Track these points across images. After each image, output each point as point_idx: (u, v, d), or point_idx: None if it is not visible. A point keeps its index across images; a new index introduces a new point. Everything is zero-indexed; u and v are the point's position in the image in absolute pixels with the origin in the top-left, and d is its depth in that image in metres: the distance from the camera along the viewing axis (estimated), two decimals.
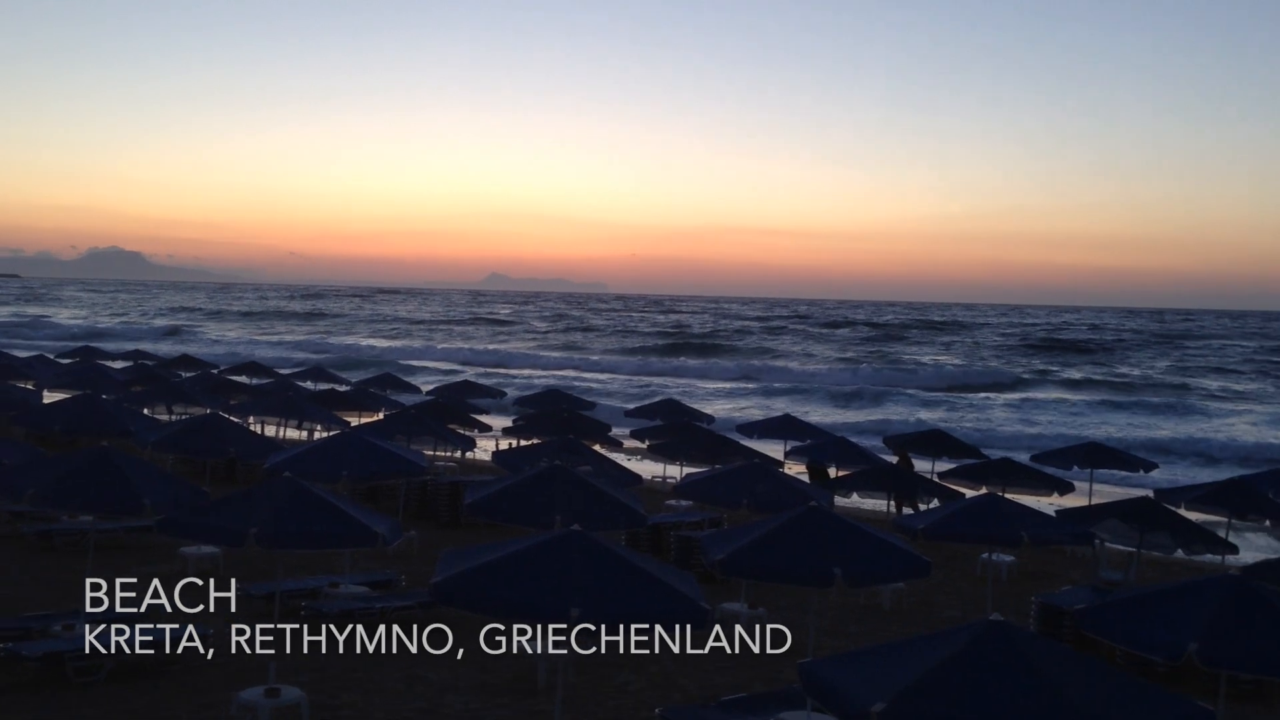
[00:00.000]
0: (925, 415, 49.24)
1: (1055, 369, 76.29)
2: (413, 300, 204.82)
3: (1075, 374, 72.74)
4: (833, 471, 25.39)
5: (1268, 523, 20.61)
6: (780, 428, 29.35)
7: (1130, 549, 17.90)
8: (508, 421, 31.67)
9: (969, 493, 20.37)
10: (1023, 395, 59.39)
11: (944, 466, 25.25)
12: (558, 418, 29.00)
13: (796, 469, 28.05)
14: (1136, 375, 72.80)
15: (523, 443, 26.77)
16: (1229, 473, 30.17)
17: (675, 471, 27.03)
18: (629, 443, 30.11)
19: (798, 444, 27.35)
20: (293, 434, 31.26)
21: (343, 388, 38.31)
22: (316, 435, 27.92)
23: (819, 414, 48.31)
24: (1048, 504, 23.43)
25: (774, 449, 28.68)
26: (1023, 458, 26.43)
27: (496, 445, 30.36)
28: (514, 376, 61.74)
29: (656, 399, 39.53)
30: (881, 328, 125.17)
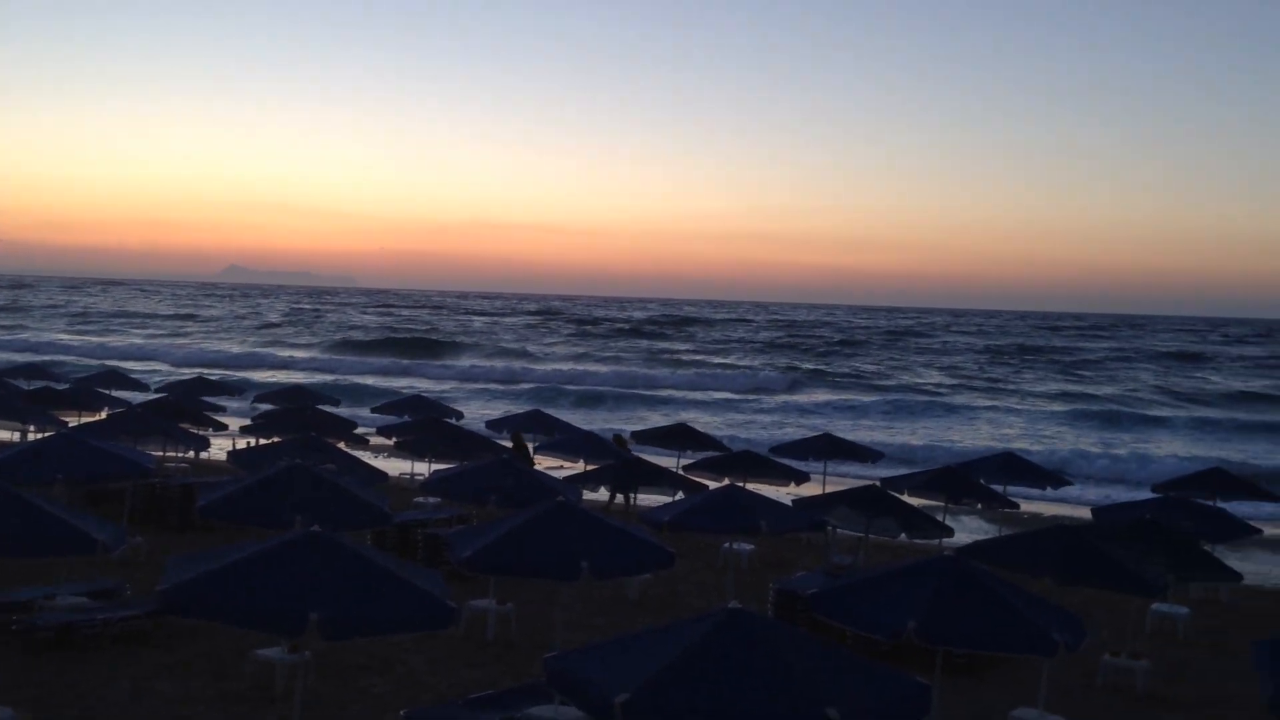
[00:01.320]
0: (688, 415, 50.48)
1: (802, 366, 79.86)
2: (134, 293, 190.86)
3: (837, 371, 76.24)
4: (582, 465, 25.63)
5: (979, 506, 22.26)
6: (529, 423, 29.40)
7: (859, 534, 18.92)
8: (245, 419, 30.32)
9: (712, 484, 21.01)
10: (784, 398, 61.47)
11: (689, 460, 25.95)
12: (299, 415, 28.00)
13: (546, 464, 28.19)
14: (870, 371, 77.09)
15: (261, 441, 25.69)
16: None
17: (423, 469, 26.61)
18: (375, 440, 29.43)
19: (547, 439, 27.48)
20: (3, 434, 28.89)
21: (60, 385, 35.67)
22: (31, 437, 25.90)
23: (571, 415, 48.70)
24: (785, 494, 24.51)
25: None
26: (763, 450, 27.51)
27: (233, 444, 29.02)
28: (249, 376, 58.69)
29: (404, 395, 38.79)
30: (636, 324, 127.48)
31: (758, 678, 7.66)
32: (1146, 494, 24.15)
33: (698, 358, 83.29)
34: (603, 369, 71.86)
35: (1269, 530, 24.65)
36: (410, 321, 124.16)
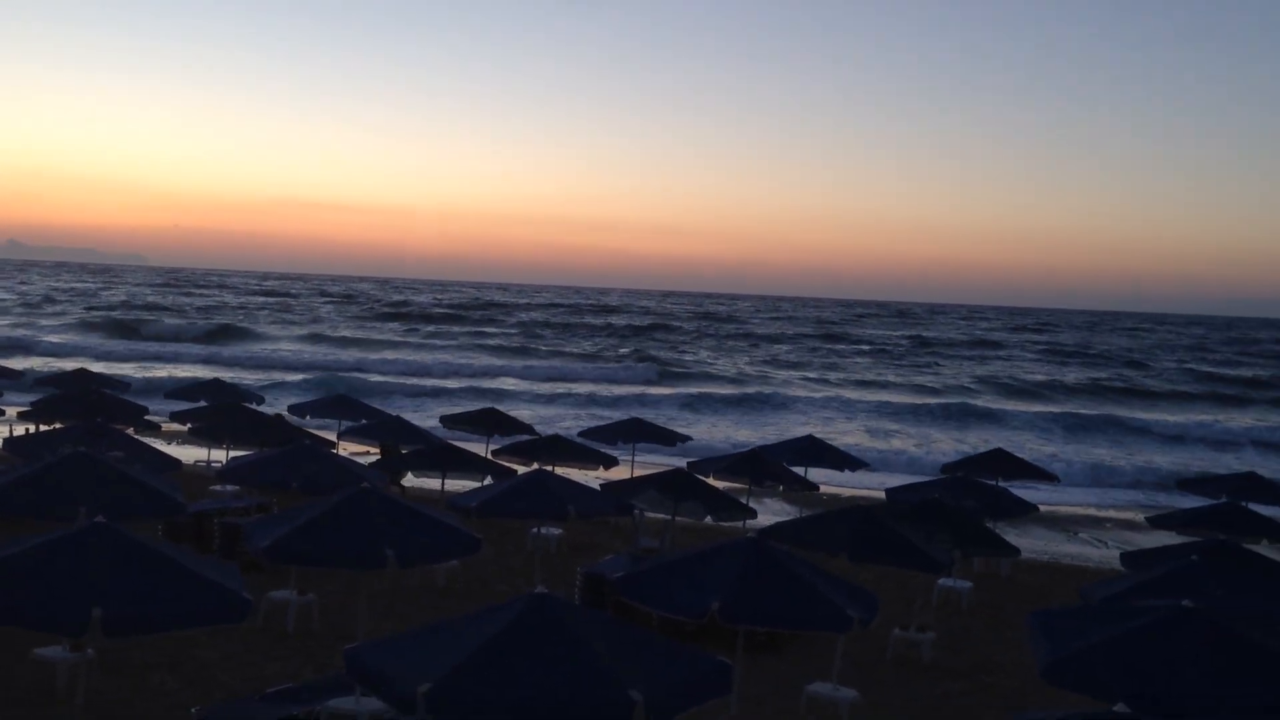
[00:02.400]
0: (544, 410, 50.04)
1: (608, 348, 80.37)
2: None
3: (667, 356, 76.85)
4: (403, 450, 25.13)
5: (780, 488, 22.94)
6: (334, 407, 28.66)
7: (666, 517, 19.23)
8: (23, 405, 28.49)
9: (520, 469, 20.96)
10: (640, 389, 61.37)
11: (497, 445, 25.80)
12: (84, 399, 26.48)
13: (350, 449, 27.55)
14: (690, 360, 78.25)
15: (43, 428, 24.19)
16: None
17: (221, 455, 25.60)
18: (168, 425, 28.13)
19: (352, 424, 26.85)
20: None
21: None
22: None
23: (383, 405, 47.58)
24: (594, 478, 24.67)
25: (328, 430, 27.98)
26: (573, 434, 27.62)
27: (10, 431, 27.23)
28: (22, 360, 54.70)
29: (201, 380, 37.19)
30: (457, 307, 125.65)
31: (561, 663, 7.70)
32: (936, 475, 25.40)
33: (540, 345, 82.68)
34: (427, 358, 70.62)
35: (1045, 508, 26.31)
36: (205, 303, 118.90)
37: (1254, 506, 20.97)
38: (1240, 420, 53.93)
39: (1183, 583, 12.47)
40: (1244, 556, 14.99)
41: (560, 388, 57.01)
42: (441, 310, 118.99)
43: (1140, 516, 23.37)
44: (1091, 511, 30.95)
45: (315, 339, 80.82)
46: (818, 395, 58.35)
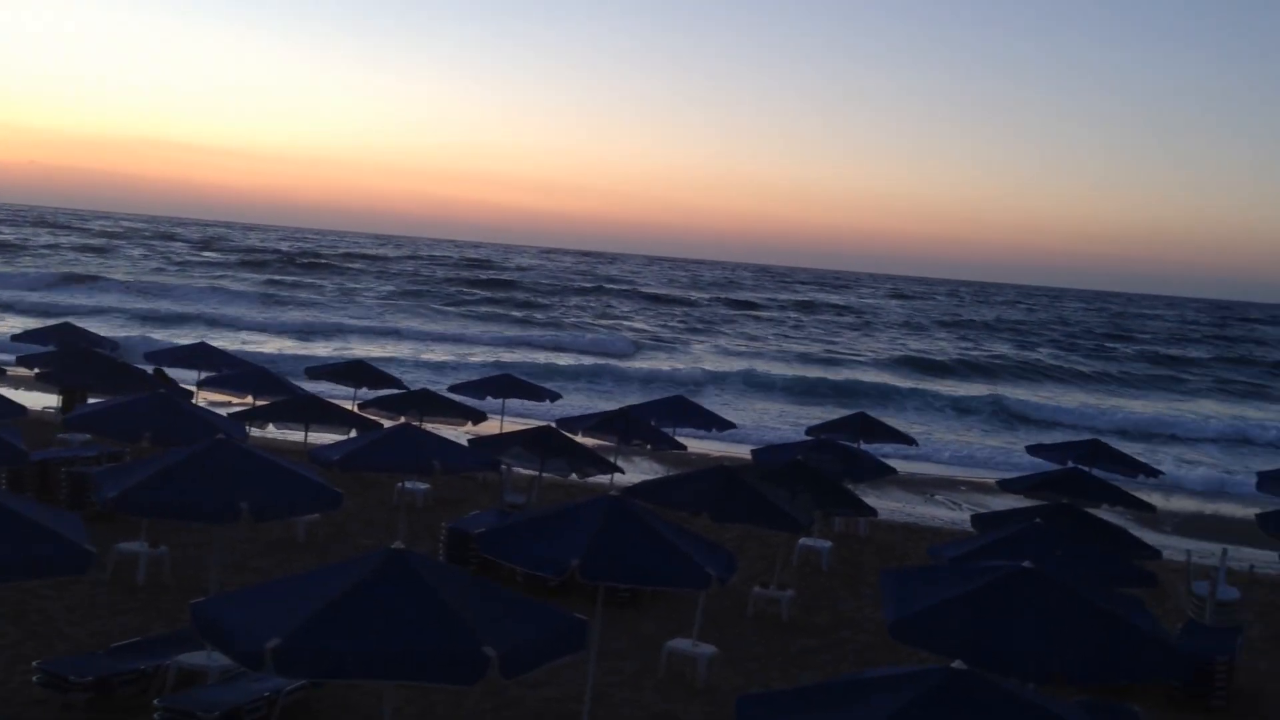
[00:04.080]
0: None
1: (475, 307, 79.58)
2: None
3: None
4: (251, 401, 24.50)
5: (649, 446, 23.09)
6: (193, 356, 27.76)
7: (533, 473, 19.20)
8: None
9: (387, 423, 20.65)
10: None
11: (366, 396, 25.39)
12: None
13: (209, 398, 26.80)
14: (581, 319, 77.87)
15: None
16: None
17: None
18: (14, 370, 26.91)
19: (212, 374, 26.06)
20: None
21: None
22: None
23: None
24: (463, 432, 24.48)
25: (187, 378, 27.16)
26: (442, 389, 27.34)
27: None
28: None
29: (52, 323, 35.60)
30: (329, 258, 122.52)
31: (415, 619, 7.62)
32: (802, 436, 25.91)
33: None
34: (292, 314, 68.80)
35: (903, 469, 27.07)
36: (61, 245, 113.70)
37: (1097, 472, 21.94)
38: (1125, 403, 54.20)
39: (1026, 544, 12.99)
40: (1083, 519, 15.69)
41: (541, 357, 53.15)
42: (307, 260, 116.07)
43: (993, 480, 24.20)
44: (948, 474, 31.99)
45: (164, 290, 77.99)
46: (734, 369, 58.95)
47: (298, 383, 26.81)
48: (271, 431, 24.30)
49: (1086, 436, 28.82)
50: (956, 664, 7.20)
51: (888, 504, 25.77)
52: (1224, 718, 13.82)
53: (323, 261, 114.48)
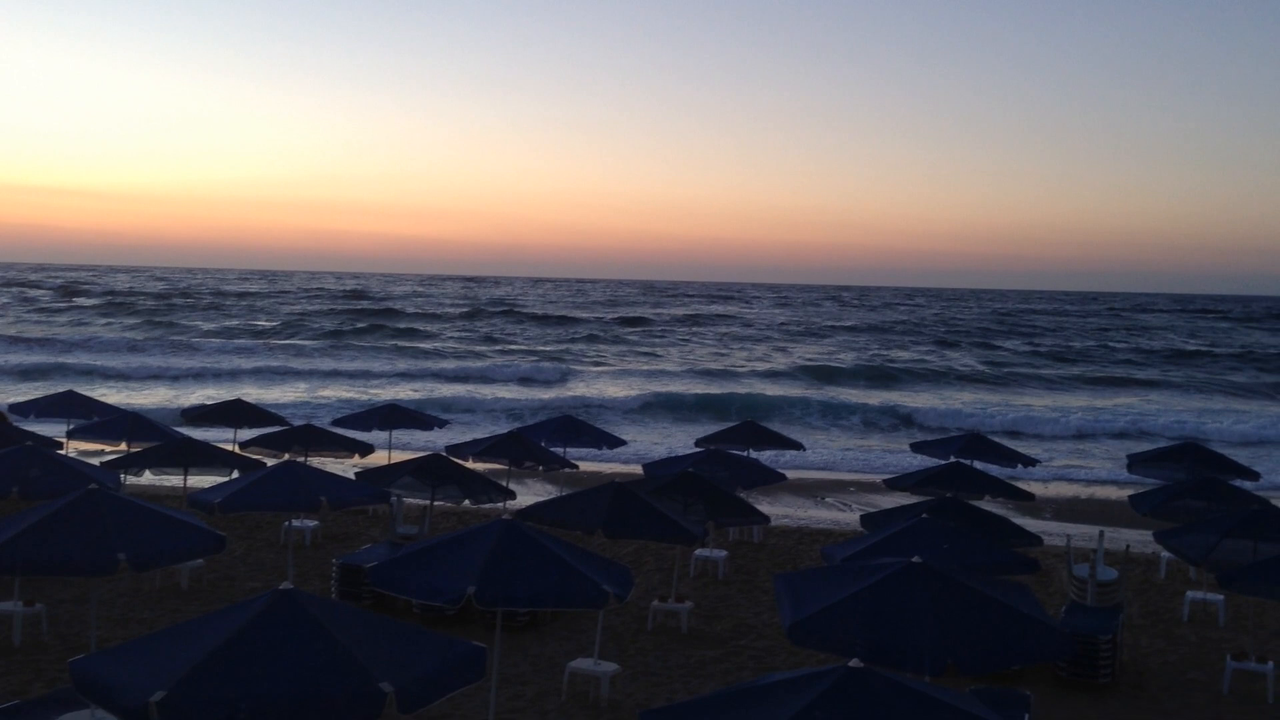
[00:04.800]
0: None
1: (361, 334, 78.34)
2: None
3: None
4: (123, 447, 23.66)
5: (541, 468, 22.99)
6: (61, 405, 26.72)
7: (424, 502, 18.95)
8: None
9: (270, 461, 20.17)
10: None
11: (246, 435, 24.77)
12: None
13: (79, 447, 25.85)
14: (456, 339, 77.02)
15: None
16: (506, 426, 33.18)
17: None
18: None
19: (83, 422, 25.12)
20: None
21: None
22: None
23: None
24: (350, 466, 24.04)
25: (54, 429, 26.14)
26: (325, 422, 26.82)
27: None
28: None
29: None
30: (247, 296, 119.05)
31: (308, 658, 7.45)
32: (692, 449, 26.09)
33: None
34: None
35: (793, 475, 27.49)
36: None
37: (978, 465, 22.58)
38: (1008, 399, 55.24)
39: (914, 539, 13.31)
40: (968, 511, 16.12)
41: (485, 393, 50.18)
42: (180, 300, 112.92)
43: (880, 479, 24.71)
44: (838, 476, 32.55)
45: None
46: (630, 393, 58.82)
47: (175, 426, 26.03)
48: (148, 478, 23.49)
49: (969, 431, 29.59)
50: (853, 662, 7.32)
51: (780, 509, 26.10)
52: (1110, 694, 14.31)
53: (197, 301, 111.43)
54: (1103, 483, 32.11)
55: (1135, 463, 24.00)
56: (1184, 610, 18.21)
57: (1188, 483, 19.81)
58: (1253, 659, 14.72)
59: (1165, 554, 20.71)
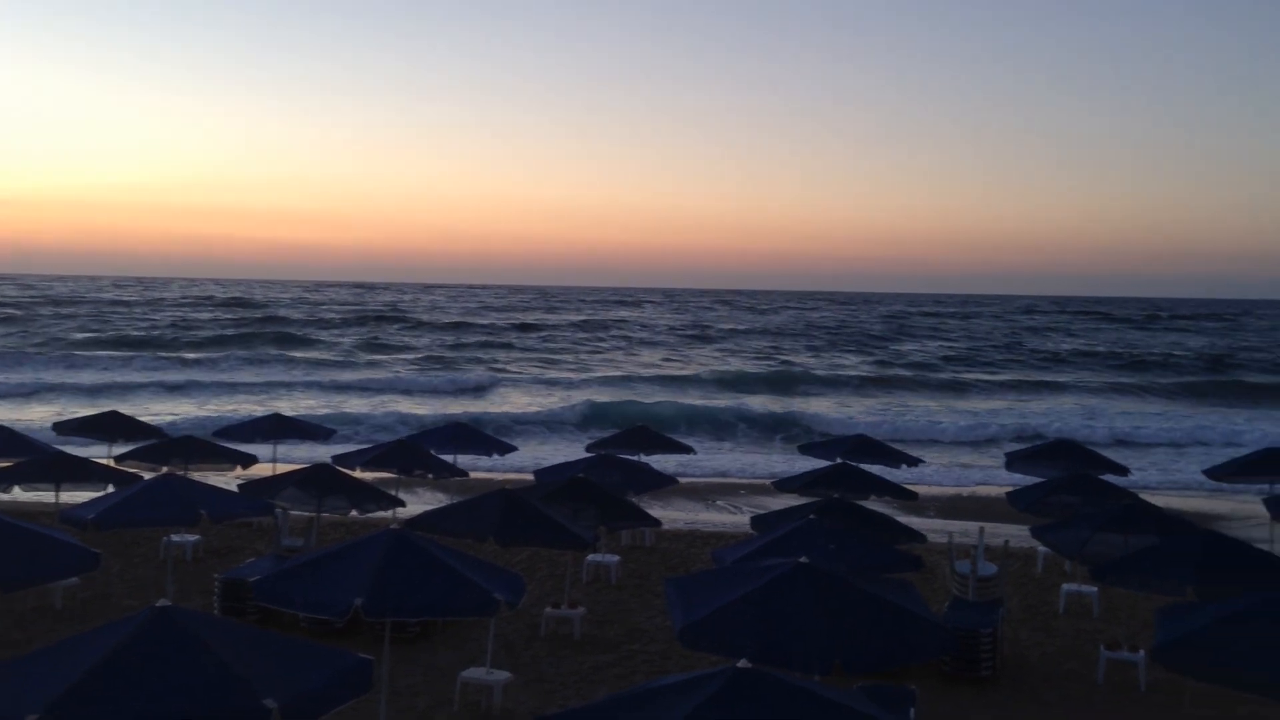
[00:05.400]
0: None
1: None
2: None
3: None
4: None
5: (430, 476, 22.74)
6: None
7: (311, 514, 18.60)
8: None
9: (148, 475, 19.56)
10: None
11: (122, 449, 23.97)
12: None
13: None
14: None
15: None
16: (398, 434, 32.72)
17: None
18: None
19: None
20: None
21: None
22: None
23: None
24: (232, 478, 23.44)
25: None
26: (206, 434, 26.12)
27: None
28: None
29: None
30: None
31: (188, 676, 7.25)
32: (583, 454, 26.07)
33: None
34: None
35: (685, 479, 27.67)
36: None
37: (864, 466, 23.02)
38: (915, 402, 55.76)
39: (802, 540, 13.51)
40: (854, 511, 16.43)
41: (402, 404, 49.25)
42: (54, 309, 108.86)
43: (769, 482, 25.03)
44: (728, 480, 32.88)
45: None
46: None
47: (46, 440, 25.05)
48: (18, 495, 22.56)
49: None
50: (741, 663, 7.40)
51: (672, 513, 26.24)
52: (991, 687, 14.72)
53: (68, 310, 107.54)
54: (984, 481, 33.01)
55: (1013, 460, 24.76)
56: (1060, 603, 18.83)
57: (1062, 479, 20.50)
58: (1125, 649, 15.29)
59: (1042, 549, 21.38)
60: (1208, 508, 28.29)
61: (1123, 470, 23.91)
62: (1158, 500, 23.16)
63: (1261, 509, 21.34)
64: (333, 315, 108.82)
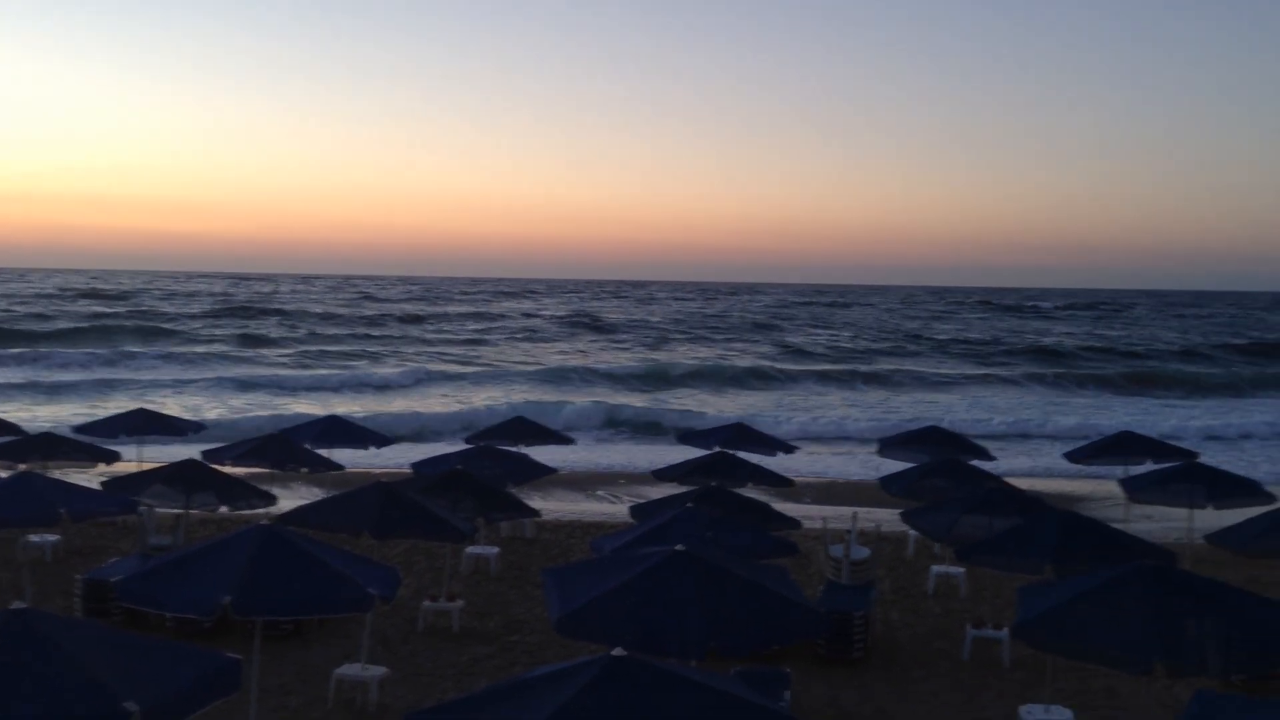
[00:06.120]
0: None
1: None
2: None
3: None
4: None
5: (305, 470, 22.31)
6: None
7: (178, 511, 18.08)
8: None
9: (4, 473, 18.77)
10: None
11: None
12: None
13: None
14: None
15: None
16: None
17: None
18: None
19: None
20: None
21: None
22: None
23: None
24: (95, 475, 22.64)
25: None
26: (67, 431, 25.18)
27: None
28: None
29: None
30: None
31: (45, 681, 7.00)
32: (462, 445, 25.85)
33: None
34: None
35: (565, 470, 27.67)
36: None
37: (742, 454, 23.35)
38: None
39: (680, 528, 13.65)
40: (731, 499, 16.67)
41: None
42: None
43: (649, 471, 25.20)
44: (608, 471, 32.99)
45: None
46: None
47: None
48: None
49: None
50: (616, 651, 7.45)
51: (552, 504, 26.23)
52: (863, 667, 15.10)
53: None
54: (860, 466, 33.74)
55: (885, 446, 25.41)
56: (930, 584, 19.40)
57: (932, 464, 21.11)
58: (990, 626, 15.85)
59: (913, 532, 22.00)
60: (1068, 489, 29.44)
61: (989, 456, 24.74)
62: (1023, 484, 24.02)
63: (1118, 490, 22.30)
64: (199, 308, 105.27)
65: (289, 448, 21.51)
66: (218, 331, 79.54)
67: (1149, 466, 23.22)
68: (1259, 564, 19.90)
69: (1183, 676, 12.42)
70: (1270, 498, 19.65)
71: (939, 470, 20.64)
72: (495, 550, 20.23)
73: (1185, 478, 20.45)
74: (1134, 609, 9.90)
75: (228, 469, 20.07)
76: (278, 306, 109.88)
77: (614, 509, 26.62)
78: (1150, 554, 13.53)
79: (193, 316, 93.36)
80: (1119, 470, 23.82)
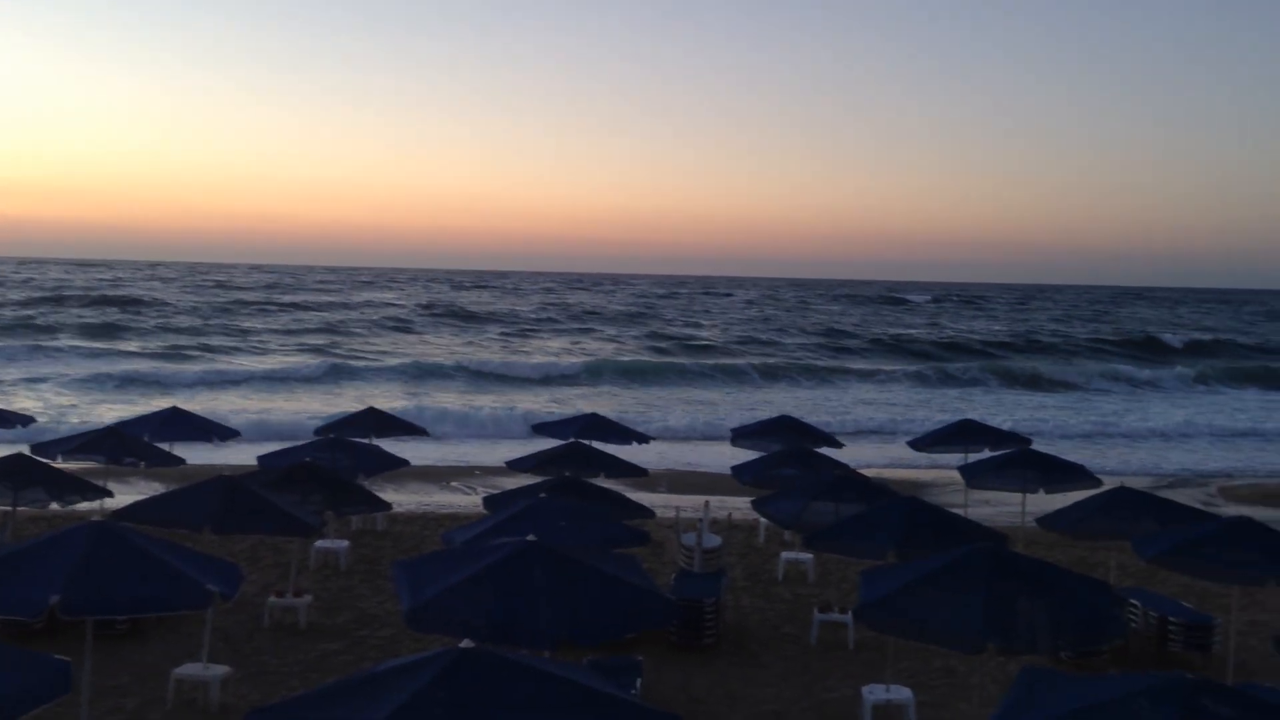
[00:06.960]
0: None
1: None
2: None
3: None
4: None
5: (143, 464, 21.45)
6: None
7: (6, 508, 17.19)
8: None
9: None
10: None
11: None
12: None
13: None
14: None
15: None
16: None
17: None
18: None
19: None
20: None
21: None
22: None
23: None
24: None
25: None
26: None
27: None
28: None
29: None
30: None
31: None
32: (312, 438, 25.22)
33: None
34: None
35: (418, 461, 27.29)
36: None
37: (596, 444, 23.40)
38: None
39: (532, 519, 13.60)
40: (584, 489, 16.70)
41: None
42: None
43: (502, 462, 25.03)
44: (462, 462, 32.67)
45: None
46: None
47: None
48: None
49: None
50: (465, 643, 7.38)
51: (405, 496, 25.87)
52: (715, 654, 15.34)
53: None
54: (716, 456, 34.19)
55: (737, 436, 25.83)
56: (779, 570, 19.82)
57: (782, 453, 21.54)
58: (836, 610, 16.28)
59: (764, 520, 22.41)
60: (913, 477, 30.43)
61: (836, 444, 25.37)
62: (870, 472, 24.72)
63: (958, 476, 23.15)
64: (27, 295, 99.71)
65: (126, 441, 20.65)
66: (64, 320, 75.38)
67: (987, 454, 24.15)
68: (1085, 545, 20.94)
69: (1014, 654, 12.99)
70: (1097, 481, 20.65)
71: (789, 459, 21.07)
72: (345, 544, 19.84)
73: (1019, 464, 21.34)
74: (968, 591, 10.29)
75: (59, 463, 19.18)
76: (136, 295, 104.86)
77: (468, 500, 26.38)
78: (985, 537, 14.08)
79: (25, 304, 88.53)
80: (959, 458, 24.71)
